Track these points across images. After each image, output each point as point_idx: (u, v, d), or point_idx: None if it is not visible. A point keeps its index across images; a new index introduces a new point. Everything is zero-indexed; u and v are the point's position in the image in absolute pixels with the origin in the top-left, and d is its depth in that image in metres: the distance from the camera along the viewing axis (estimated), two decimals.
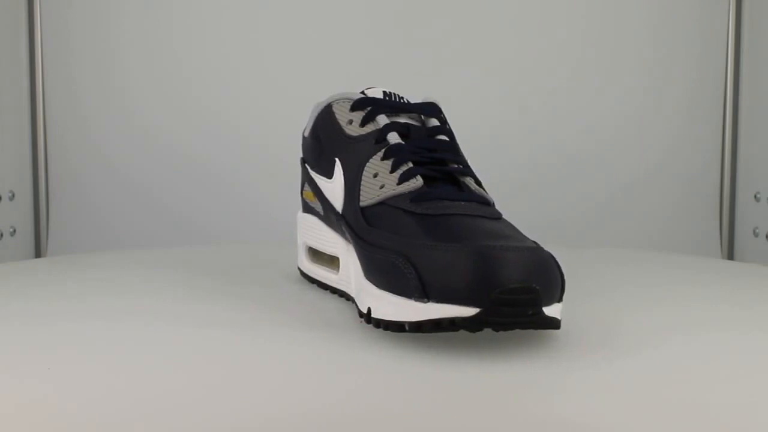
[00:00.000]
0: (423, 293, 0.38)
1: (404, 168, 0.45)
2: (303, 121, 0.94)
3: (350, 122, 0.49)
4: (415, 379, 0.37)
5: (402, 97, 0.49)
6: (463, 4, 0.94)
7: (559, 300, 0.40)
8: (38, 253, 0.95)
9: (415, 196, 0.44)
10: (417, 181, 0.44)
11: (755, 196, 0.93)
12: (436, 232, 0.41)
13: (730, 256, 0.98)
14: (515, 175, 0.94)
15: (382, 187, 0.45)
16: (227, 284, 0.57)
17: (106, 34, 0.93)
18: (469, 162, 0.48)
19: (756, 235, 0.93)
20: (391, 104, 0.48)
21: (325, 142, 0.51)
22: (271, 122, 0.94)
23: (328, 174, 0.51)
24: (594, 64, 0.95)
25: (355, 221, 0.46)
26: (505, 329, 0.38)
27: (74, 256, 0.80)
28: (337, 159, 0.49)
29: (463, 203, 0.43)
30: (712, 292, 0.57)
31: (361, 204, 0.46)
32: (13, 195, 0.91)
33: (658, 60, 0.95)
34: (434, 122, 0.48)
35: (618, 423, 0.32)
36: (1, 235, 0.89)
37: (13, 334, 0.45)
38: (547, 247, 0.41)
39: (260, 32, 0.94)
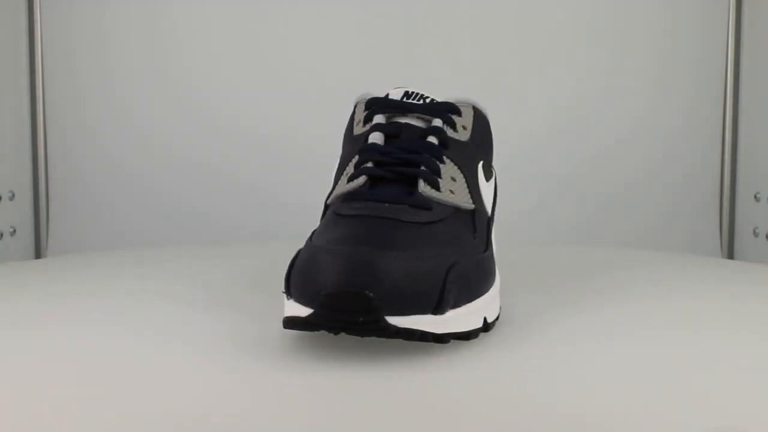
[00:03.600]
0: (288, 291, 0.39)
1: (361, 167, 0.45)
2: (305, 121, 0.94)
3: (359, 122, 0.49)
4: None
5: (426, 98, 0.48)
6: (468, 9, 0.94)
7: (436, 312, 0.38)
8: (38, 253, 0.95)
9: (346, 196, 0.44)
10: (359, 181, 0.44)
11: (755, 196, 0.93)
12: (334, 232, 0.41)
13: (730, 256, 0.98)
14: (515, 175, 0.94)
15: (339, 186, 0.46)
16: (234, 289, 0.57)
17: (107, 32, 0.93)
18: (480, 165, 0.48)
19: (756, 235, 0.93)
20: (396, 104, 0.48)
21: (343, 141, 0.52)
22: (274, 122, 0.94)
23: None
24: (594, 65, 0.95)
25: None
26: (336, 333, 0.38)
27: (74, 256, 0.80)
28: (339, 158, 0.50)
29: (387, 205, 0.42)
30: (711, 291, 0.57)
31: (327, 202, 0.47)
32: (13, 195, 0.91)
33: (658, 60, 0.95)
34: (437, 123, 0.48)
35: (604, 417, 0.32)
36: (1, 235, 0.89)
37: (11, 335, 0.45)
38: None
39: (265, 29, 0.94)
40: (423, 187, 0.44)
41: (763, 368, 0.39)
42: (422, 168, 0.45)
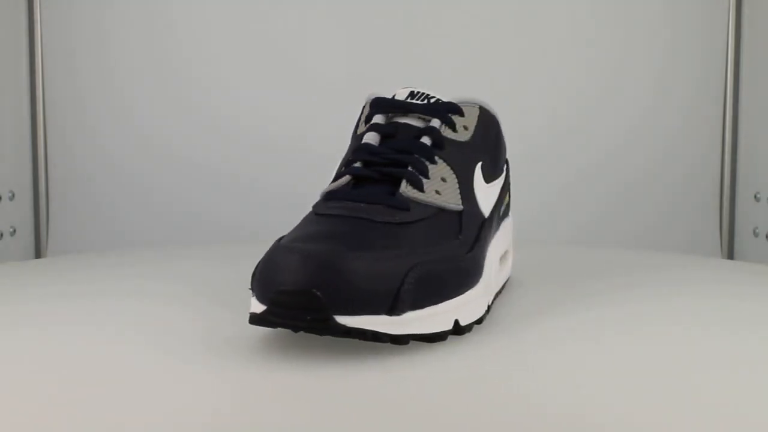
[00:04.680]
0: (252, 288, 0.40)
1: (348, 167, 0.46)
2: (306, 121, 0.94)
3: (362, 122, 0.50)
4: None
5: (432, 98, 0.48)
6: (470, 10, 0.94)
7: (391, 313, 0.38)
8: (38, 253, 0.95)
9: (327, 195, 0.44)
10: (342, 181, 0.45)
11: (755, 196, 0.93)
12: (303, 230, 0.41)
13: (730, 256, 0.98)
14: (514, 176, 0.94)
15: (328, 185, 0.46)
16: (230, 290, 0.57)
17: (107, 32, 0.93)
18: (479, 166, 0.48)
19: (756, 235, 0.93)
20: (397, 104, 0.48)
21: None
22: (274, 121, 0.94)
23: None
24: (594, 66, 0.95)
25: None
26: (295, 330, 0.38)
27: (74, 256, 0.80)
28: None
29: (364, 205, 0.42)
30: (711, 291, 0.57)
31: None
32: (13, 195, 0.91)
33: (658, 60, 0.95)
34: (434, 123, 0.47)
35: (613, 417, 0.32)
36: (1, 235, 0.89)
37: (11, 335, 0.45)
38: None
39: (266, 29, 0.94)
40: (405, 187, 0.44)
41: (763, 368, 0.39)
42: (409, 168, 0.45)
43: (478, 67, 0.94)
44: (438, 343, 0.40)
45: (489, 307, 0.47)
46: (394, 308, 0.38)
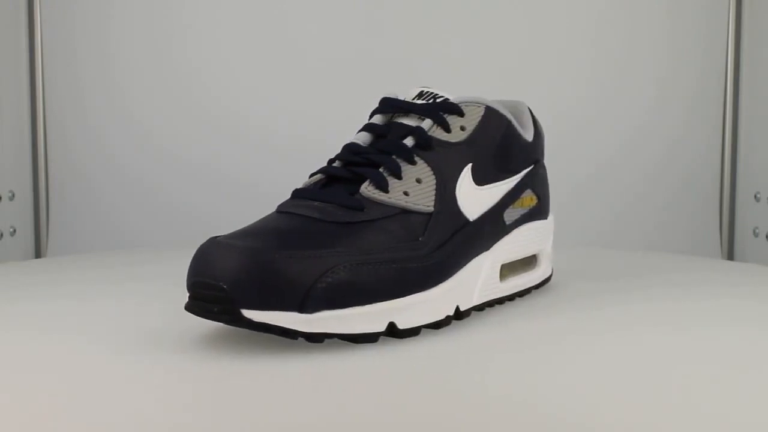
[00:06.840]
0: None
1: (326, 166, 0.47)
2: (309, 121, 0.94)
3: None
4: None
5: (439, 97, 0.48)
6: (465, 10, 0.94)
7: (303, 310, 0.38)
8: (38, 253, 0.95)
9: (293, 193, 0.45)
10: (313, 179, 0.46)
11: (755, 196, 0.93)
12: (250, 226, 0.42)
13: (730, 256, 0.98)
14: None
15: None
16: None
17: (108, 31, 0.93)
18: (468, 168, 0.47)
19: (756, 235, 0.93)
20: (398, 104, 0.48)
21: None
22: (277, 122, 0.94)
23: None
24: (594, 67, 0.95)
25: None
26: (225, 322, 0.39)
27: (74, 256, 0.80)
28: None
29: (316, 203, 0.43)
30: (711, 291, 0.57)
31: None
32: (13, 195, 0.91)
33: (658, 60, 0.95)
34: (426, 123, 0.47)
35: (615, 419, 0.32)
36: (1, 235, 0.89)
37: (10, 335, 0.45)
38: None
39: (269, 29, 0.94)
40: (365, 187, 0.44)
41: (762, 368, 0.39)
42: (380, 169, 0.44)
43: (477, 68, 0.94)
44: (371, 343, 0.40)
45: (460, 312, 0.45)
46: (304, 306, 0.38)
